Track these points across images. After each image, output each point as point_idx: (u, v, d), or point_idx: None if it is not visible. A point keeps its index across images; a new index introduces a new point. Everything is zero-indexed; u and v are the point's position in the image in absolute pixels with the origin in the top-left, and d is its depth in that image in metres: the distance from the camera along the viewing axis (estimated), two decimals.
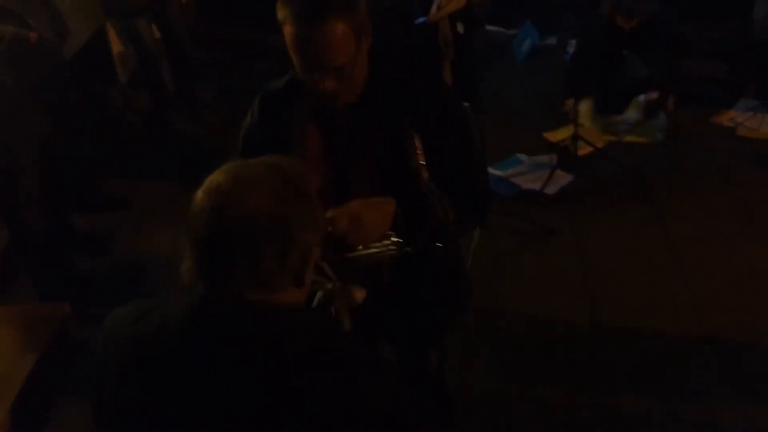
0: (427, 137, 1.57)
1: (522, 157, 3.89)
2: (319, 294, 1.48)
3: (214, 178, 1.15)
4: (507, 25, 5.15)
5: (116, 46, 4.43)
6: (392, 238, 1.57)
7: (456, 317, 1.88)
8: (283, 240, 1.12)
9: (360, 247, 1.55)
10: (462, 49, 3.53)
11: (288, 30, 1.49)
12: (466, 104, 1.85)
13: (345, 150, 1.64)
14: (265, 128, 1.68)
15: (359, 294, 1.52)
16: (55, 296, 3.04)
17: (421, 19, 3.05)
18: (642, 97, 4.07)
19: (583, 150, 3.80)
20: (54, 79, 3.10)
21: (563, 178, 3.70)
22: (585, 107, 4.03)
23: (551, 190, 3.62)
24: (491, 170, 3.64)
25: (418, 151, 1.54)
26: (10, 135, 2.86)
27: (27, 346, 2.68)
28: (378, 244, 1.57)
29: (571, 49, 4.61)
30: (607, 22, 4.05)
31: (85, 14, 4.09)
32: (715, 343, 2.71)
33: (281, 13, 1.49)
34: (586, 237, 3.32)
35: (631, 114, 4.10)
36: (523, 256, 3.23)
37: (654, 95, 4.07)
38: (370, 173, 1.62)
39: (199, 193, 1.15)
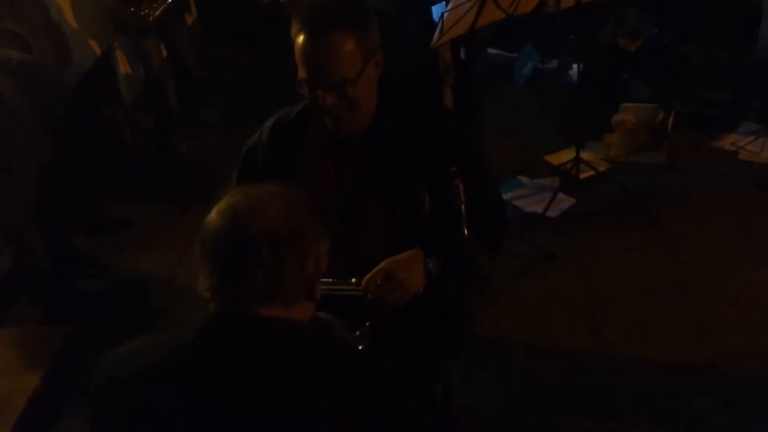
0: (444, 174, 1.58)
1: (524, 179, 3.90)
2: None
3: (226, 201, 1.20)
4: (509, 48, 5.19)
5: (123, 67, 4.47)
6: (353, 279, 1.59)
7: (460, 344, 1.88)
8: (300, 247, 1.17)
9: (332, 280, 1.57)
10: (464, 73, 3.56)
11: (297, 42, 1.53)
12: (463, 121, 1.87)
13: (356, 181, 1.65)
14: (272, 154, 1.69)
15: None
16: (56, 318, 3.04)
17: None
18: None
19: (585, 173, 3.81)
20: (55, 104, 3.13)
21: (565, 202, 3.70)
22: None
23: (553, 213, 3.62)
24: None
25: (461, 197, 1.53)
26: (13, 156, 2.88)
27: (30, 368, 2.67)
28: (342, 285, 1.59)
29: (573, 73, 4.64)
30: (608, 46, 4.08)
31: (91, 37, 4.14)
32: (720, 368, 2.70)
33: (293, 27, 1.53)
34: (589, 261, 3.32)
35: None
36: (525, 280, 3.23)
37: (661, 116, 4.08)
38: (380, 205, 1.63)
39: (213, 215, 1.19)
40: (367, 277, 1.53)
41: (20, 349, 2.81)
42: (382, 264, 1.54)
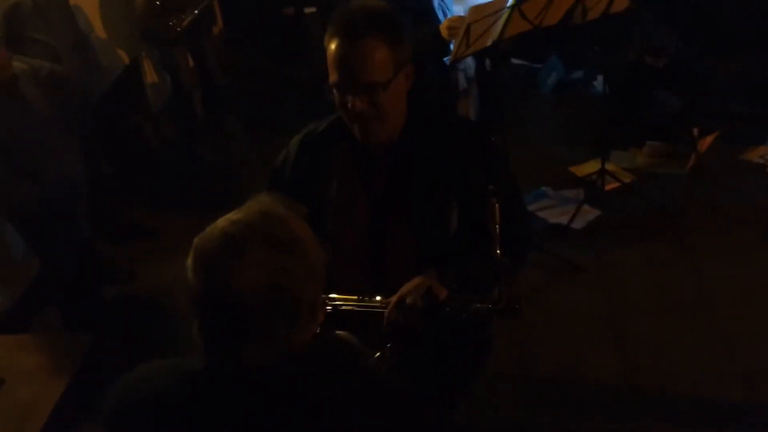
0: (473, 190, 1.57)
1: (548, 190, 3.88)
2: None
3: (200, 246, 1.11)
4: (532, 59, 5.17)
5: (150, 76, 4.51)
6: (377, 297, 1.59)
7: (480, 364, 1.87)
8: (289, 306, 1.10)
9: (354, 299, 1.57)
10: (489, 84, 3.55)
11: (330, 48, 1.55)
12: (492, 138, 1.87)
13: (383, 196, 1.65)
14: (299, 170, 1.70)
15: None
16: (81, 325, 3.07)
17: (446, 58, 3.09)
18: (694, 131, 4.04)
19: (610, 185, 3.78)
20: (83, 113, 3.18)
21: (590, 213, 3.67)
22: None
23: (578, 224, 3.59)
24: None
25: (496, 219, 1.50)
26: (40, 164, 2.91)
27: (55, 374, 2.69)
28: (367, 302, 1.59)
29: (597, 84, 4.61)
30: (635, 63, 4.03)
31: (119, 47, 4.19)
32: (750, 386, 2.65)
33: (328, 33, 1.56)
34: (614, 274, 3.28)
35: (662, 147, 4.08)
36: (550, 292, 3.20)
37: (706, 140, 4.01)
38: (408, 219, 1.63)
39: (190, 263, 1.11)
40: (389, 306, 1.53)
41: (46, 355, 2.84)
42: (401, 290, 1.55)
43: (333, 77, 1.56)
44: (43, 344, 2.92)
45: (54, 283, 3.12)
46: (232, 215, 1.14)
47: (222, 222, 1.13)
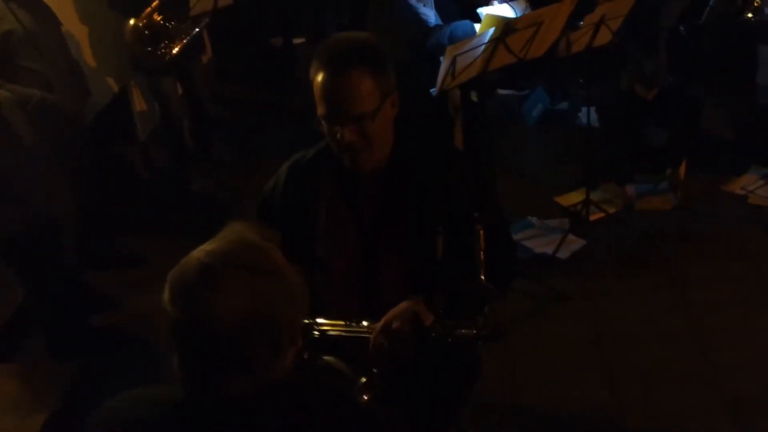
0: (460, 218, 1.60)
1: (534, 220, 3.91)
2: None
3: (178, 275, 1.11)
4: (518, 88, 5.24)
5: (139, 104, 4.53)
6: (364, 322, 1.60)
7: (469, 389, 1.87)
8: (268, 333, 1.11)
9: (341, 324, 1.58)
10: (474, 115, 3.60)
11: (316, 81, 1.57)
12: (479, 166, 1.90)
13: (372, 223, 1.67)
14: (288, 197, 1.71)
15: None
16: (67, 352, 3.05)
17: (433, 90, 3.13)
18: (668, 171, 4.09)
19: (595, 215, 3.83)
20: (72, 141, 3.18)
21: (575, 243, 3.71)
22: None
23: (563, 254, 3.62)
24: None
25: (481, 247, 1.52)
26: (25, 191, 2.91)
27: (38, 404, 2.68)
28: (354, 327, 1.59)
29: (582, 115, 4.67)
30: (626, 93, 4.09)
31: (109, 75, 4.21)
32: (734, 414, 2.67)
33: (313, 67, 1.58)
34: (600, 303, 3.31)
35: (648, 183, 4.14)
36: (536, 321, 3.22)
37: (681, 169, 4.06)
38: (397, 246, 1.65)
39: (167, 295, 1.11)
40: (375, 334, 1.55)
41: (29, 384, 2.82)
42: (386, 317, 1.56)
43: (321, 110, 1.59)
44: (26, 373, 2.90)
45: (38, 310, 3.10)
46: (207, 246, 1.14)
47: (197, 253, 1.13)
